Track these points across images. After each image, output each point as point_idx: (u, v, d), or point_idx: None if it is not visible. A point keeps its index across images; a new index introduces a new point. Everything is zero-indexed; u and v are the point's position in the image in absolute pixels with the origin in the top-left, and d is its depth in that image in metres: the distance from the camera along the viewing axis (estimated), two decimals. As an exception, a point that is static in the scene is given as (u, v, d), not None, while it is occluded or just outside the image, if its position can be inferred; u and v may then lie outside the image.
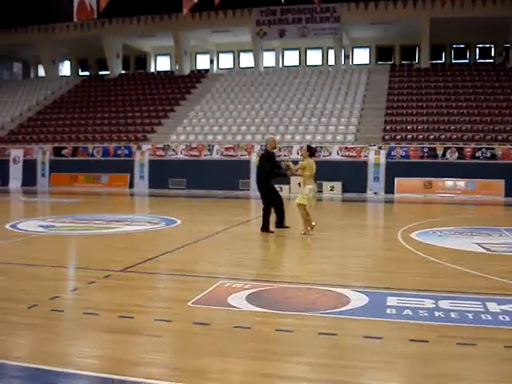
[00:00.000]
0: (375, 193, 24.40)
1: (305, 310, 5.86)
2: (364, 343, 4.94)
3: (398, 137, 26.15)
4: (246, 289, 6.69)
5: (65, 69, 42.92)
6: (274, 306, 5.98)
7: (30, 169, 28.95)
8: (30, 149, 29.59)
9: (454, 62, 35.38)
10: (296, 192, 22.27)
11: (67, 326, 5.51)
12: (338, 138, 26.74)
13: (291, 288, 6.89)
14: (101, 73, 40.40)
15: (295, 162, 12.25)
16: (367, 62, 36.99)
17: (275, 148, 12.66)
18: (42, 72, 42.00)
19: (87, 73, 41.66)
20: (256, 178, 12.59)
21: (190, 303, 6.08)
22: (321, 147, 24.77)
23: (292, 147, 25.64)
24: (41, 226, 12.77)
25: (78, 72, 42.48)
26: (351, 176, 24.54)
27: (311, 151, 11.72)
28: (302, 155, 11.86)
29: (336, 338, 5.07)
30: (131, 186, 27.59)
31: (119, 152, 28.28)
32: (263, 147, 14.35)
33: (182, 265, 8.52)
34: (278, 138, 26.93)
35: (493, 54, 35.30)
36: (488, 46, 35.44)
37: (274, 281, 7.25)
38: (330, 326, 5.36)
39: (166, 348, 4.91)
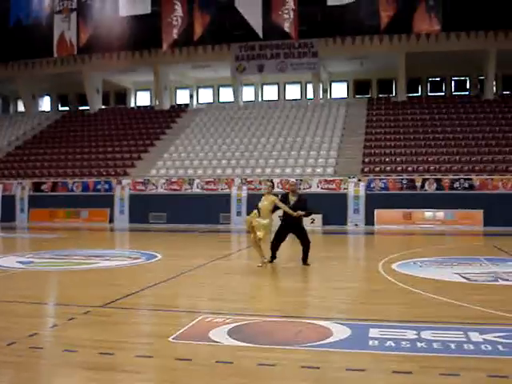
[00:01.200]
0: (356, 225, 24.49)
1: (287, 343, 5.82)
2: (347, 376, 4.91)
3: (377, 169, 26.40)
4: (228, 323, 6.63)
5: (45, 104, 42.87)
6: (256, 340, 5.93)
7: (8, 204, 28.64)
8: (9, 184, 29.34)
9: (430, 94, 36.04)
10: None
11: (46, 364, 5.41)
12: (318, 170, 26.93)
13: (273, 322, 6.84)
14: (81, 108, 40.46)
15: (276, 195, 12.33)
16: (345, 95, 37.52)
17: (288, 189, 12.71)
18: (21, 107, 41.92)
19: (67, 108, 41.70)
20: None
21: (170, 338, 6.01)
22: (301, 180, 24.85)
23: (272, 181, 25.64)
24: (19, 262, 12.57)
25: (57, 107, 42.49)
26: (331, 208, 24.57)
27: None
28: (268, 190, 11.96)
29: (319, 371, 5.03)
30: (111, 220, 27.40)
31: (99, 187, 28.14)
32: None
33: (162, 300, 8.44)
34: (258, 171, 27.15)
35: (468, 86, 36.06)
36: (463, 78, 36.20)
37: (255, 314, 7.21)
38: (313, 359, 5.32)
39: (147, 384, 4.83)
